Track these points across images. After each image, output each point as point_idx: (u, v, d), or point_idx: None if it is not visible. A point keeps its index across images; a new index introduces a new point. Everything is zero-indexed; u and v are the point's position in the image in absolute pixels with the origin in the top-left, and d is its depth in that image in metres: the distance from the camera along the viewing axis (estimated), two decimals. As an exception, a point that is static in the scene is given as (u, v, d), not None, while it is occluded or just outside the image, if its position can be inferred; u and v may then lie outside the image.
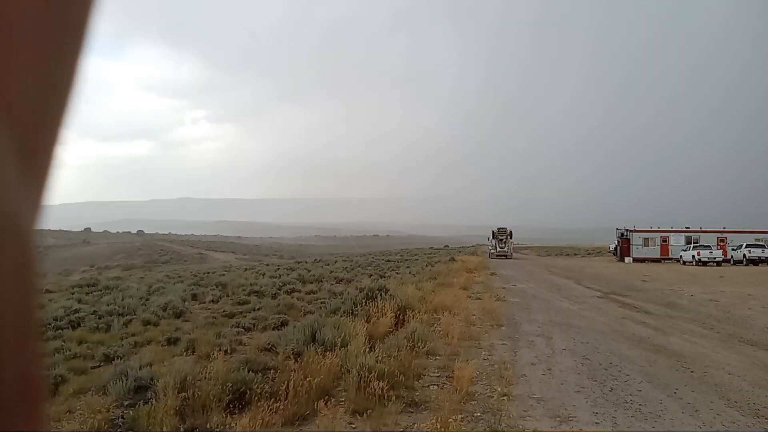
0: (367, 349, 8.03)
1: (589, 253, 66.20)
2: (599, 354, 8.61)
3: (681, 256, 41.40)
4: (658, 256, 45.55)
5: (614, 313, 13.37)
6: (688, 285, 21.61)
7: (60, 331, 11.84)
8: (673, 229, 47.83)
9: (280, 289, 19.44)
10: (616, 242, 49.26)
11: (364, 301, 12.12)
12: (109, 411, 5.48)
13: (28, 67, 0.21)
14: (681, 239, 45.82)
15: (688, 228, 47.68)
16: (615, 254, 49.53)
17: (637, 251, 45.86)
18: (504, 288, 19.84)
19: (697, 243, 42.62)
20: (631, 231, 46.87)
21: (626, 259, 45.36)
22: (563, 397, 6.38)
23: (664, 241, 46.42)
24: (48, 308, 14.34)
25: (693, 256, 38.81)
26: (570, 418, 5.63)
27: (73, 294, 19.39)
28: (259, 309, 14.62)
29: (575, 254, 67.52)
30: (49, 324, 12.28)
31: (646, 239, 46.36)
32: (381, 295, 12.48)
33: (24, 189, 0.21)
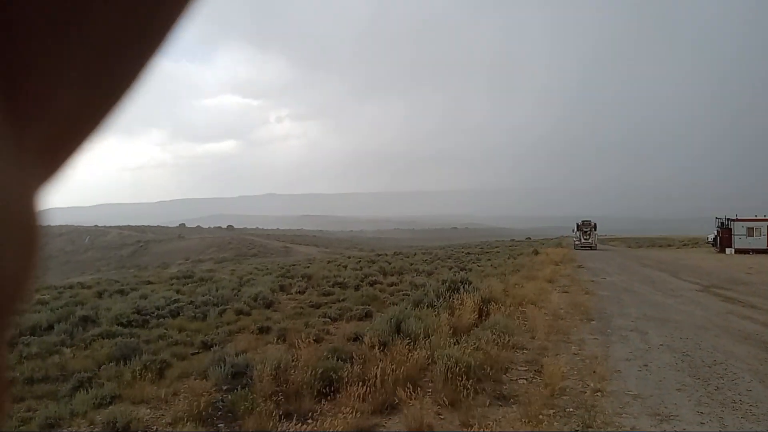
0: (452, 341, 8.01)
1: (685, 245, 62.02)
2: (701, 350, 8.07)
3: (791, 247, 37.87)
4: (764, 246, 41.83)
5: (716, 308, 12.46)
6: (802, 278, 19.73)
7: (162, 319, 12.72)
8: (782, 218, 43.79)
9: (362, 281, 19.77)
10: (716, 232, 45.80)
11: (446, 293, 12.09)
12: (210, 394, 5.82)
13: (87, 65, 0.21)
14: (791, 228, 41.88)
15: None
16: (714, 245, 46.08)
17: (739, 242, 42.35)
18: (593, 281, 19.05)
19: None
20: (732, 220, 43.37)
21: (727, 251, 42.03)
22: (663, 394, 6.04)
23: (772, 230, 42.59)
24: (150, 298, 15.45)
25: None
26: (671, 417, 5.32)
27: (172, 285, 20.74)
28: (343, 300, 14.97)
29: (669, 245, 63.50)
30: (152, 313, 13.23)
31: (750, 229, 42.68)
32: (464, 287, 12.39)
33: (34, 187, 0.21)
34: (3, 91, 0.19)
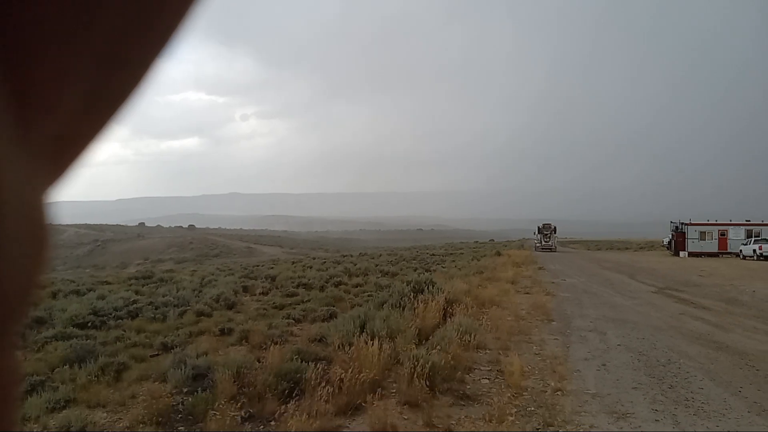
0: (417, 342, 8.05)
1: (642, 248, 64.08)
2: (656, 350, 8.33)
3: (741, 251, 39.46)
4: (715, 250, 43.58)
5: (670, 309, 12.90)
6: (750, 281, 20.61)
7: (120, 320, 12.36)
8: (732, 222, 45.62)
9: (327, 282, 19.67)
10: (671, 236, 47.44)
11: (411, 294, 12.14)
12: (170, 397, 5.68)
13: (92, 63, 0.20)
14: (741, 233, 43.62)
15: (749, 221, 45.36)
16: (669, 248, 47.77)
17: (693, 245, 44.00)
18: (553, 282, 19.46)
19: (758, 237, 40.51)
20: (686, 224, 44.99)
21: (681, 254, 43.61)
22: (620, 393, 6.21)
23: (723, 234, 44.33)
24: (108, 299, 15.00)
25: (754, 251, 36.92)
26: (628, 415, 5.47)
27: (130, 286, 20.17)
28: (307, 301, 14.86)
29: (627, 248, 65.49)
30: (110, 314, 12.84)
31: (702, 233, 44.38)
32: (428, 288, 12.46)
33: (41, 183, 0.21)
34: (9, 95, 0.18)
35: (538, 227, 56.02)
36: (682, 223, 45.32)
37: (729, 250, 43.03)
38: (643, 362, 7.62)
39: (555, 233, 55.40)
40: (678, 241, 45.09)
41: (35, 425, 4.88)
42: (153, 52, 0.23)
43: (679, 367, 7.32)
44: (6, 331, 0.18)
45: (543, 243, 53.74)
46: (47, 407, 5.41)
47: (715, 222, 45.86)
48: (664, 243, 51.59)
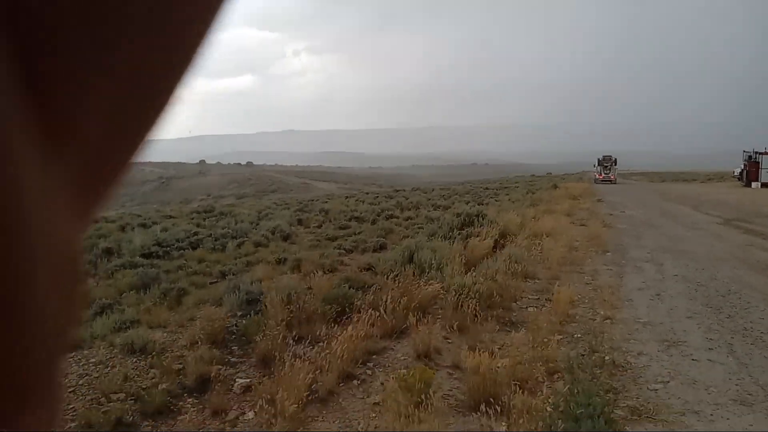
0: (464, 271, 8.06)
1: (710, 179, 60.73)
2: (716, 281, 8.00)
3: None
4: (793, 181, 40.73)
5: (736, 240, 12.27)
6: (830, 211, 19.25)
7: (182, 251, 13.00)
8: (814, 150, 42.25)
9: (379, 215, 19.84)
10: (742, 166, 44.56)
11: (461, 226, 12.07)
12: (224, 320, 5.98)
13: (123, 77, 0.20)
14: (825, 160, 40.48)
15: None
16: (740, 179, 44.96)
17: (767, 175, 41.24)
18: (611, 214, 18.84)
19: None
20: (761, 153, 42.01)
21: (753, 185, 40.94)
22: (673, 322, 6.05)
23: (802, 163, 41.23)
24: (171, 231, 15.76)
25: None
26: (679, 343, 5.34)
27: (192, 219, 21.07)
28: (359, 233, 15.09)
29: (693, 180, 62.28)
30: (173, 245, 13.51)
31: (779, 162, 41.42)
32: (478, 220, 12.35)
33: (73, 206, 0.20)
34: (34, 125, 0.17)
35: (598, 159, 54.43)
36: (757, 152, 42.36)
37: (810, 180, 40.11)
38: (700, 293, 7.35)
39: (615, 165, 53.82)
40: (750, 171, 42.28)
41: (102, 342, 5.26)
42: (178, 72, 0.22)
43: (740, 297, 7.01)
44: (44, 381, 0.17)
45: (603, 175, 52.25)
46: (114, 327, 5.81)
47: (794, 150, 42.59)
48: (735, 174, 48.54)
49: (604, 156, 53.79)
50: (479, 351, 5.18)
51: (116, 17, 0.19)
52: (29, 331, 0.16)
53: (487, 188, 41.31)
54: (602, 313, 6.44)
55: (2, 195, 0.15)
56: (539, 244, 11.00)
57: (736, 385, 4.32)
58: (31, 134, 0.17)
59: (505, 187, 42.38)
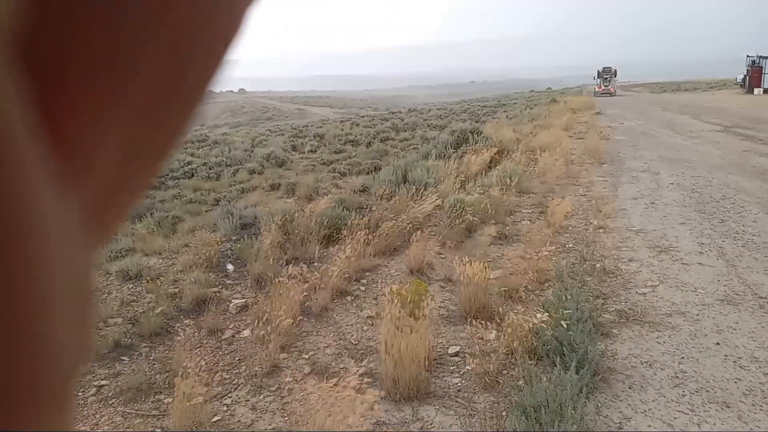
0: (458, 188, 8.02)
1: (712, 87, 59.49)
2: (711, 187, 7.97)
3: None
4: (798, 85, 39.81)
5: (734, 147, 12.13)
6: (832, 115, 18.95)
7: (177, 180, 12.95)
8: (821, 53, 40.98)
9: (374, 138, 19.61)
10: (745, 72, 43.41)
11: (456, 144, 11.92)
12: (219, 244, 6.00)
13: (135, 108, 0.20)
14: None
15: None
16: (743, 86, 43.98)
17: (771, 80, 40.25)
18: (610, 126, 18.57)
19: None
20: (765, 58, 40.80)
21: (756, 91, 40.06)
22: (665, 229, 6.07)
23: (807, 65, 40.13)
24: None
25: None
26: (670, 249, 5.38)
27: (186, 149, 20.83)
28: (353, 156, 14.96)
29: (695, 89, 61.03)
30: (167, 175, 13.43)
31: (783, 65, 40.29)
32: (473, 137, 12.18)
33: (83, 227, 0.20)
34: (49, 150, 0.17)
35: (598, 71, 53.45)
36: (761, 57, 41.13)
37: (813, 84, 39.21)
38: (695, 199, 7.33)
39: (615, 77, 52.83)
40: (753, 77, 41.21)
41: (98, 271, 5.30)
42: (196, 98, 0.22)
43: (734, 202, 7.00)
44: (56, 399, 0.18)
45: (603, 87, 51.27)
46: (109, 257, 5.84)
47: (799, 52, 41.30)
48: (738, 80, 47.41)
49: (603, 68, 52.81)
50: (471, 263, 5.24)
51: (135, 46, 0.19)
52: (46, 348, 0.16)
53: (484, 106, 40.55)
54: (595, 223, 6.46)
55: (19, 218, 0.15)
56: (535, 158, 10.90)
57: (724, 285, 4.37)
58: (47, 159, 0.17)
59: (503, 104, 41.60)
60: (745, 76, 43.45)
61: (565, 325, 3.55)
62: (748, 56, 43.46)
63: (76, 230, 0.19)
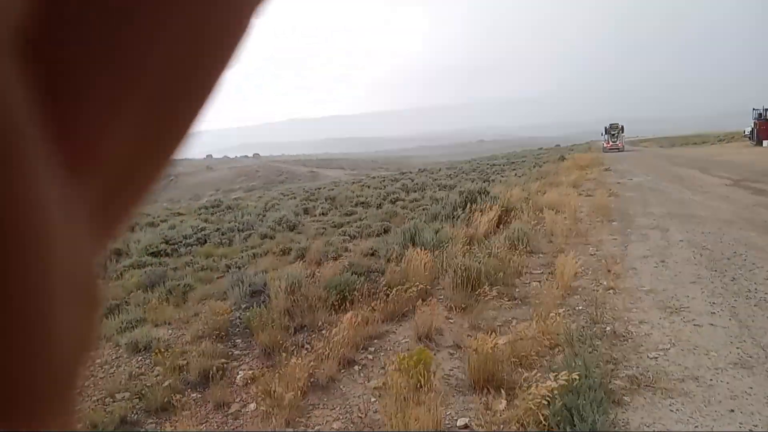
0: (467, 250, 8.04)
1: (720, 140, 59.83)
2: (722, 244, 7.91)
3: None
4: (806, 136, 39.94)
5: (745, 201, 12.10)
6: (842, 165, 18.90)
7: (190, 247, 13.11)
8: (827, 104, 41.29)
9: (384, 199, 19.83)
10: (752, 125, 43.76)
11: (464, 204, 12.03)
12: (228, 313, 6.03)
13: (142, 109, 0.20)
14: (836, 114, 39.63)
15: None
16: (751, 139, 44.21)
17: (778, 133, 40.46)
18: (618, 183, 18.66)
19: None
20: (771, 110, 41.22)
21: (765, 143, 40.23)
22: (676, 288, 6.00)
23: (815, 118, 40.38)
24: (179, 228, 15.89)
25: None
26: (682, 309, 5.30)
27: (200, 215, 21.20)
28: (364, 219, 15.10)
29: (704, 143, 61.40)
30: (181, 242, 13.63)
31: (790, 118, 40.61)
32: (482, 197, 12.30)
33: (93, 234, 0.20)
34: (56, 148, 0.17)
35: (605, 128, 54.05)
36: (767, 110, 41.57)
37: (822, 135, 39.31)
38: (705, 257, 7.27)
39: (623, 132, 53.37)
40: (761, 129, 41.49)
41: (108, 343, 5.34)
42: (206, 93, 0.22)
43: (745, 259, 6.93)
44: (62, 396, 0.18)
45: (611, 143, 51.84)
46: (120, 327, 5.88)
47: (806, 105, 41.67)
48: (746, 133, 47.73)
49: (611, 124, 53.46)
50: (479, 330, 5.20)
51: (144, 40, 0.19)
52: (49, 346, 0.16)
53: (494, 165, 41.05)
54: (605, 283, 6.41)
55: (24, 212, 0.15)
56: (544, 218, 10.94)
57: (737, 348, 4.28)
58: (55, 154, 0.17)
59: (512, 162, 42.09)
60: (752, 128, 43.78)
61: (575, 394, 3.48)
62: (754, 109, 43.96)
63: (82, 227, 0.19)
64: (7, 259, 0.14)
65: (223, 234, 14.95)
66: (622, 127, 53.19)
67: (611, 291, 6.14)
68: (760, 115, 42.38)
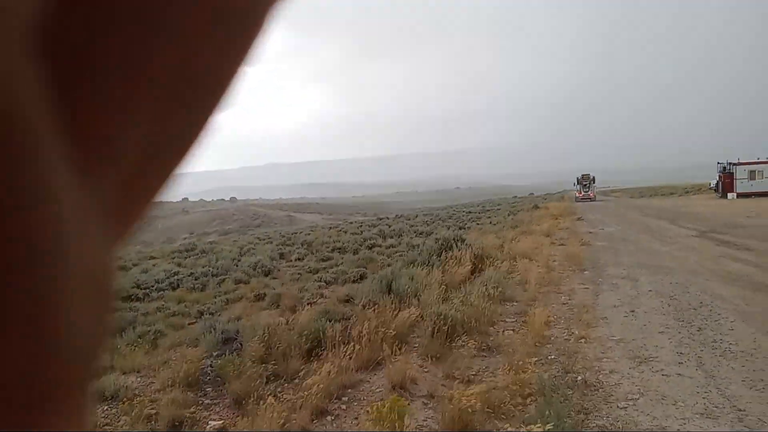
0: (442, 298, 8.10)
1: (687, 192, 61.89)
2: (689, 294, 8.13)
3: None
4: (767, 189, 41.64)
5: (710, 252, 12.49)
6: (801, 219, 19.69)
7: (162, 292, 12.89)
8: (784, 159, 43.30)
9: (361, 245, 19.89)
10: (717, 177, 45.53)
11: (440, 251, 12.15)
12: (199, 361, 5.94)
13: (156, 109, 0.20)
14: (795, 170, 41.50)
15: (804, 157, 42.97)
16: (716, 191, 45.92)
17: (741, 186, 42.08)
18: (590, 232, 19.07)
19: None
20: (734, 164, 43.00)
21: (729, 195, 41.81)
22: (645, 338, 6.12)
23: (774, 172, 42.20)
24: (151, 272, 15.65)
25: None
26: (650, 359, 5.40)
27: (173, 259, 20.92)
28: (340, 264, 15.10)
29: (671, 194, 63.41)
30: (152, 286, 13.40)
31: (752, 172, 42.31)
32: (457, 245, 12.44)
33: (108, 232, 0.20)
34: (72, 145, 0.17)
35: (577, 178, 55.65)
36: (730, 164, 43.36)
37: (782, 189, 41.03)
38: (673, 306, 7.46)
39: (594, 183, 54.98)
40: (725, 182, 43.21)
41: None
42: (220, 89, 0.22)
43: (711, 309, 7.13)
44: (75, 391, 0.18)
45: (583, 193, 53.32)
46: (86, 374, 5.73)
47: (765, 160, 43.65)
48: (711, 186, 49.59)
49: (582, 175, 55.05)
50: (454, 379, 5.22)
51: (159, 37, 0.18)
52: (63, 340, 0.16)
53: (469, 212, 41.65)
54: (577, 332, 6.50)
55: (38, 211, 0.15)
56: (518, 266, 11.10)
57: (704, 398, 4.37)
58: (69, 153, 0.17)
59: (488, 210, 42.78)
60: (717, 181, 45.48)
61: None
62: (718, 163, 45.84)
63: (96, 223, 0.19)
64: (22, 255, 0.14)
65: (196, 279, 14.75)
66: (594, 177, 54.85)
67: (583, 340, 6.23)
68: (724, 168, 44.17)
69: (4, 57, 0.14)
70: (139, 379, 5.69)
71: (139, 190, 0.22)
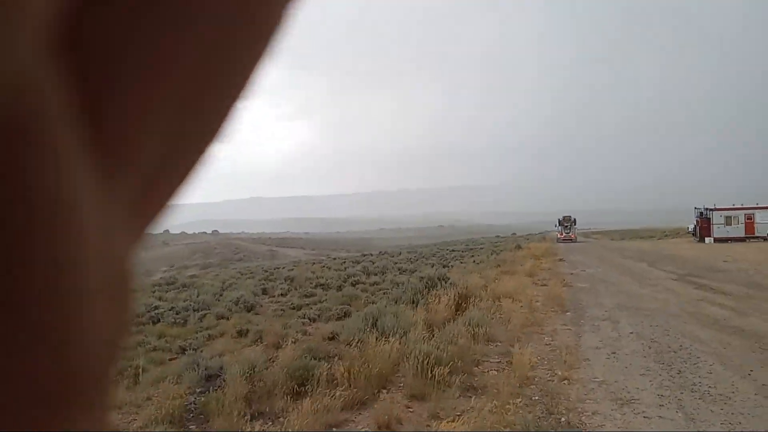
0: (426, 337, 8.13)
1: (666, 235, 63.03)
2: (668, 336, 8.27)
3: (768, 235, 38.67)
4: (742, 235, 42.63)
5: (689, 296, 12.73)
6: (775, 264, 20.17)
7: (142, 326, 12.69)
8: (759, 206, 44.56)
9: (345, 281, 19.86)
10: (695, 222, 46.61)
11: (424, 290, 12.22)
12: (182, 397, 5.87)
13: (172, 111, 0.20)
14: (768, 216, 42.68)
15: (777, 203, 44.27)
16: (694, 235, 46.94)
17: (718, 231, 43.13)
18: (572, 273, 19.31)
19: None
20: (711, 210, 44.15)
21: (707, 240, 42.78)
22: (627, 380, 6.21)
23: (749, 219, 43.35)
24: (131, 306, 15.40)
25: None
26: (632, 401, 5.48)
27: (153, 292, 20.64)
28: (324, 301, 15.05)
29: (651, 237, 64.51)
30: (132, 321, 13.18)
31: (728, 218, 43.46)
32: (441, 283, 12.53)
33: (126, 227, 0.21)
34: (92, 143, 0.17)
35: (559, 220, 56.86)
36: (707, 209, 44.48)
37: (756, 235, 42.07)
38: (654, 349, 7.58)
39: (575, 224, 56.19)
40: (703, 227, 44.27)
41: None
42: (235, 92, 0.23)
43: (690, 352, 7.27)
44: (96, 389, 0.18)
45: (564, 234, 54.35)
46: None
47: (741, 207, 44.88)
48: (689, 230, 50.71)
49: (564, 216, 56.18)
50: (439, 419, 5.23)
51: (178, 34, 0.19)
52: (84, 340, 0.17)
53: (453, 250, 41.87)
54: (560, 373, 6.57)
55: (60, 209, 0.15)
56: (501, 305, 11.20)
57: (684, 441, 4.46)
58: (90, 150, 0.17)
59: (471, 249, 43.05)
60: (695, 226, 46.51)
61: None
62: (696, 208, 47.01)
63: (117, 222, 0.19)
64: (46, 258, 0.15)
65: (177, 313, 14.56)
66: (575, 219, 56.04)
67: (566, 381, 6.30)
68: (701, 213, 45.26)
69: (12, 55, 0.14)
70: (120, 416, 5.60)
71: (159, 191, 0.22)
